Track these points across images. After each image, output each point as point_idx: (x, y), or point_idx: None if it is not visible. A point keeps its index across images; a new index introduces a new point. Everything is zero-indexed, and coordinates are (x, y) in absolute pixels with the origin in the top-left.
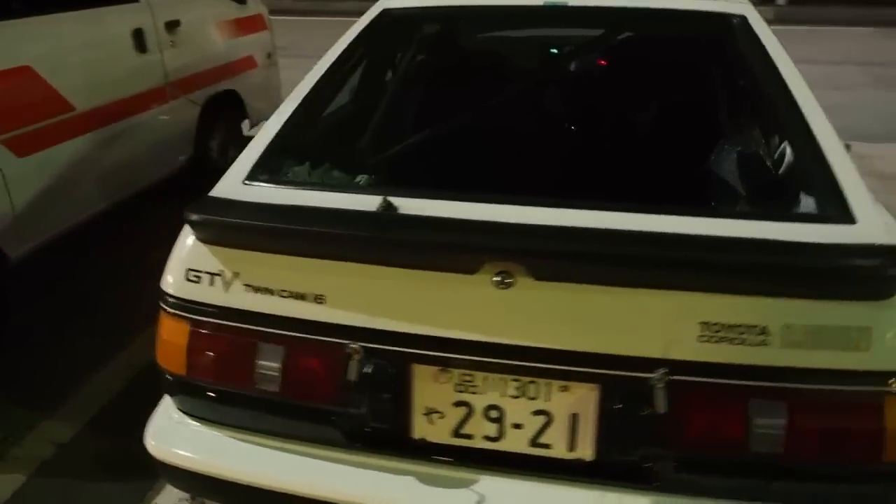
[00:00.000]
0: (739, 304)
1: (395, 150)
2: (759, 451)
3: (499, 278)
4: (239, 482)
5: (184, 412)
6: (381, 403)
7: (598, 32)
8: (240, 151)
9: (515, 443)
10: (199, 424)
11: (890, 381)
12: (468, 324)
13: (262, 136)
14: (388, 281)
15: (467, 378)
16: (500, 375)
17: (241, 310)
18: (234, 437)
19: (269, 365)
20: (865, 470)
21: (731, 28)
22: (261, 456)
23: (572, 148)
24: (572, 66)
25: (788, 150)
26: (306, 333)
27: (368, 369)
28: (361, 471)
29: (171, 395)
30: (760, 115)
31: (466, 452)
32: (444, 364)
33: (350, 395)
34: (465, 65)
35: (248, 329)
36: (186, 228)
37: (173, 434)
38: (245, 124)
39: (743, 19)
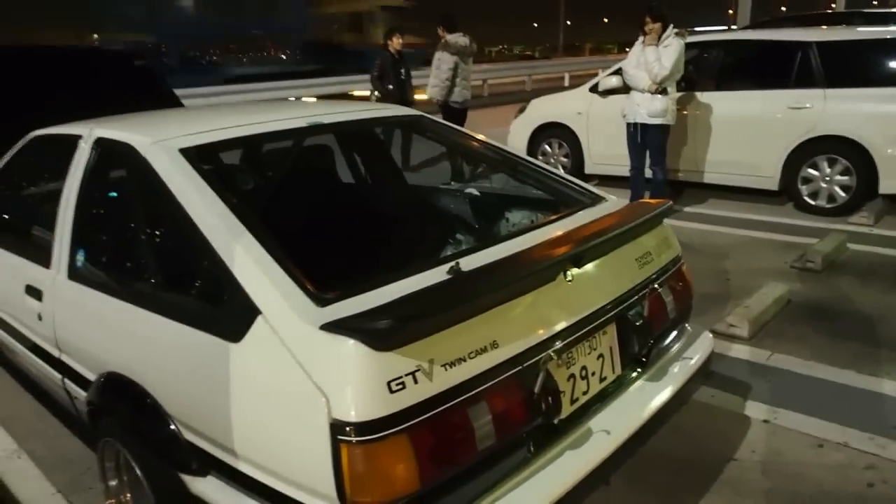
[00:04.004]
0: (635, 247)
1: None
2: (671, 314)
3: (566, 276)
4: None
5: None
6: (552, 404)
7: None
8: None
9: (595, 387)
10: None
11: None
12: (562, 314)
13: (267, 282)
14: (518, 310)
15: (570, 354)
16: (582, 342)
17: (449, 388)
18: None
19: (483, 421)
20: (684, 306)
21: (419, 121)
22: None
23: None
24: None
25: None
26: (498, 376)
27: (541, 379)
28: (544, 471)
29: None
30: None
31: (577, 413)
32: (560, 351)
33: (532, 410)
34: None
35: (460, 401)
36: (338, 350)
37: None
38: None
39: (422, 116)
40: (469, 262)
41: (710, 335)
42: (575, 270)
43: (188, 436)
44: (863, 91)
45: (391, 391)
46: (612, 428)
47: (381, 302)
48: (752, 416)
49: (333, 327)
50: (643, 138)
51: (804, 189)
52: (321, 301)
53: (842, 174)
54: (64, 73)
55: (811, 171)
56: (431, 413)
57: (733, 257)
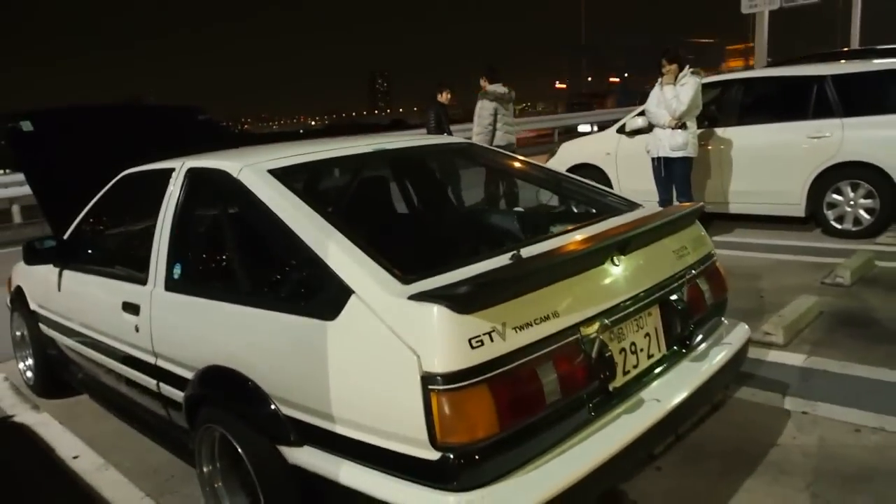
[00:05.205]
0: (672, 241)
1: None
2: (708, 303)
3: (614, 261)
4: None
5: (469, 488)
6: (607, 371)
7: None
8: None
9: (643, 362)
10: (503, 485)
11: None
12: (612, 293)
13: (357, 267)
14: (574, 287)
15: (620, 329)
16: (630, 319)
17: (519, 348)
18: (540, 469)
19: (550, 379)
20: (720, 298)
21: (469, 148)
22: (566, 461)
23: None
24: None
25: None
26: (560, 341)
27: (597, 346)
28: (604, 431)
29: (464, 473)
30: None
31: (629, 384)
32: (613, 325)
33: (591, 373)
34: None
35: (530, 359)
36: (425, 314)
37: None
38: None
39: (472, 144)
40: (527, 252)
41: (746, 326)
42: (620, 257)
43: (286, 410)
44: (878, 118)
45: (472, 347)
46: (661, 397)
47: (455, 280)
48: (792, 409)
49: (420, 296)
50: (668, 171)
51: (830, 214)
52: (405, 280)
53: (865, 198)
54: (140, 126)
55: (836, 196)
56: (506, 367)
57: (765, 278)
